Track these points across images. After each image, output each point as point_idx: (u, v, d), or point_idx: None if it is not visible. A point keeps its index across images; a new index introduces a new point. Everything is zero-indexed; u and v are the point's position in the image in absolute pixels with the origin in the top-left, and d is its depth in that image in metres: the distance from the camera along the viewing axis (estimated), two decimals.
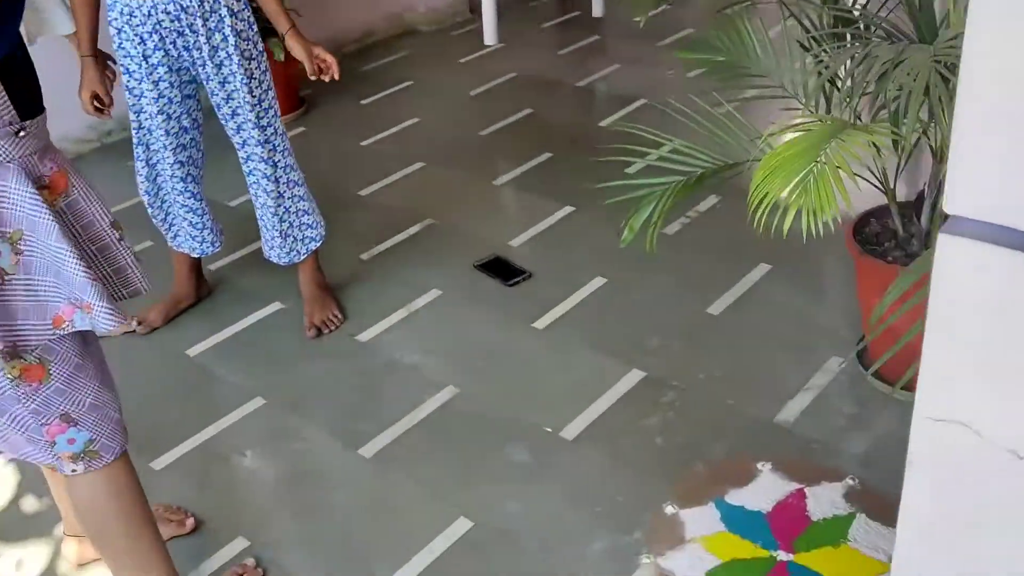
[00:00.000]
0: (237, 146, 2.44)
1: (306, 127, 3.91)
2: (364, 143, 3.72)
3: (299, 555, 1.93)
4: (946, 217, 0.84)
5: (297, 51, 2.33)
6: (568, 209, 3.08)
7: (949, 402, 0.91)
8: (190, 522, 2.00)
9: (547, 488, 2.02)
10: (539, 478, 2.05)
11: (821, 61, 1.95)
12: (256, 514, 2.05)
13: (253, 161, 2.43)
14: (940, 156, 1.93)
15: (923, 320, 1.52)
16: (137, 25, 2.25)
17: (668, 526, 1.92)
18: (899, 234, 2.07)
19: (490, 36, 4.59)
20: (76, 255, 1.40)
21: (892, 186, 1.98)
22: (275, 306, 2.75)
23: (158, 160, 2.45)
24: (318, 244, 2.60)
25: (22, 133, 1.37)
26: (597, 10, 4.84)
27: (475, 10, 4.89)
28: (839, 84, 2.05)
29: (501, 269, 2.80)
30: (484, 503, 2.00)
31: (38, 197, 1.38)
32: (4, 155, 1.36)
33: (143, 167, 2.44)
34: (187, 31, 2.26)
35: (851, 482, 1.96)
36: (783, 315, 2.49)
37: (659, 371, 2.32)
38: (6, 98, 1.35)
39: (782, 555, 1.83)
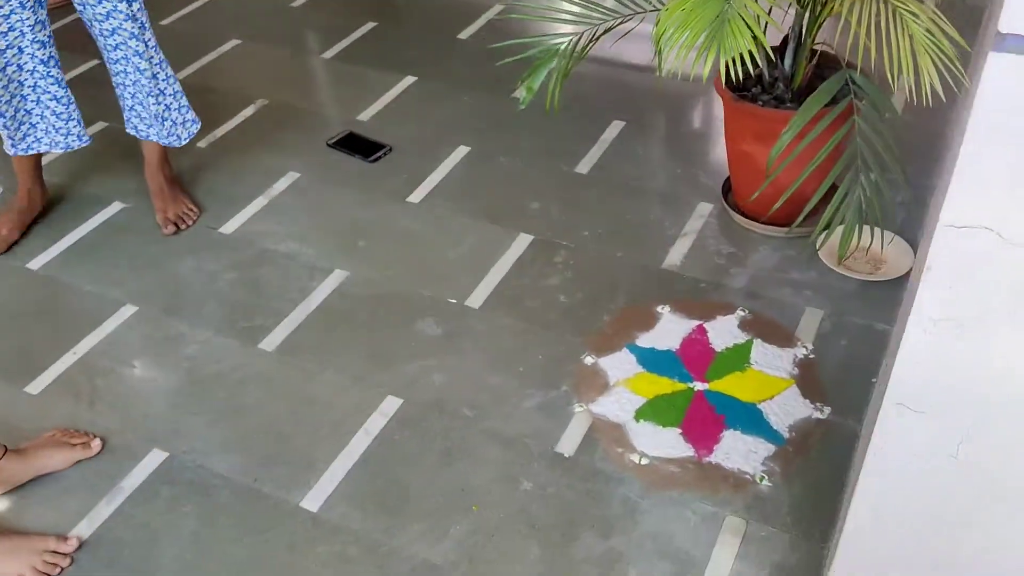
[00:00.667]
0: (99, 20, 2.14)
1: None
2: (164, 23, 3.38)
3: (229, 459, 1.84)
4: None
5: None
6: (410, 79, 2.99)
7: (976, 209, 1.01)
8: (96, 443, 1.84)
9: (467, 357, 2.04)
10: (456, 348, 2.06)
11: None
12: (166, 424, 1.92)
13: (121, 35, 2.15)
14: (803, 3, 2.05)
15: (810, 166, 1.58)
16: None
17: (591, 375, 2.00)
18: (764, 78, 2.19)
19: None
20: None
21: (763, 31, 2.08)
22: (116, 206, 2.50)
23: (13, 44, 2.11)
24: (199, 128, 2.38)
25: None
26: None
27: None
28: None
29: (358, 145, 2.69)
30: (408, 379, 1.99)
31: None
32: None
33: None
34: None
35: (742, 313, 2.13)
36: (646, 168, 2.59)
37: (545, 233, 2.36)
38: None
39: (698, 385, 1.97)
